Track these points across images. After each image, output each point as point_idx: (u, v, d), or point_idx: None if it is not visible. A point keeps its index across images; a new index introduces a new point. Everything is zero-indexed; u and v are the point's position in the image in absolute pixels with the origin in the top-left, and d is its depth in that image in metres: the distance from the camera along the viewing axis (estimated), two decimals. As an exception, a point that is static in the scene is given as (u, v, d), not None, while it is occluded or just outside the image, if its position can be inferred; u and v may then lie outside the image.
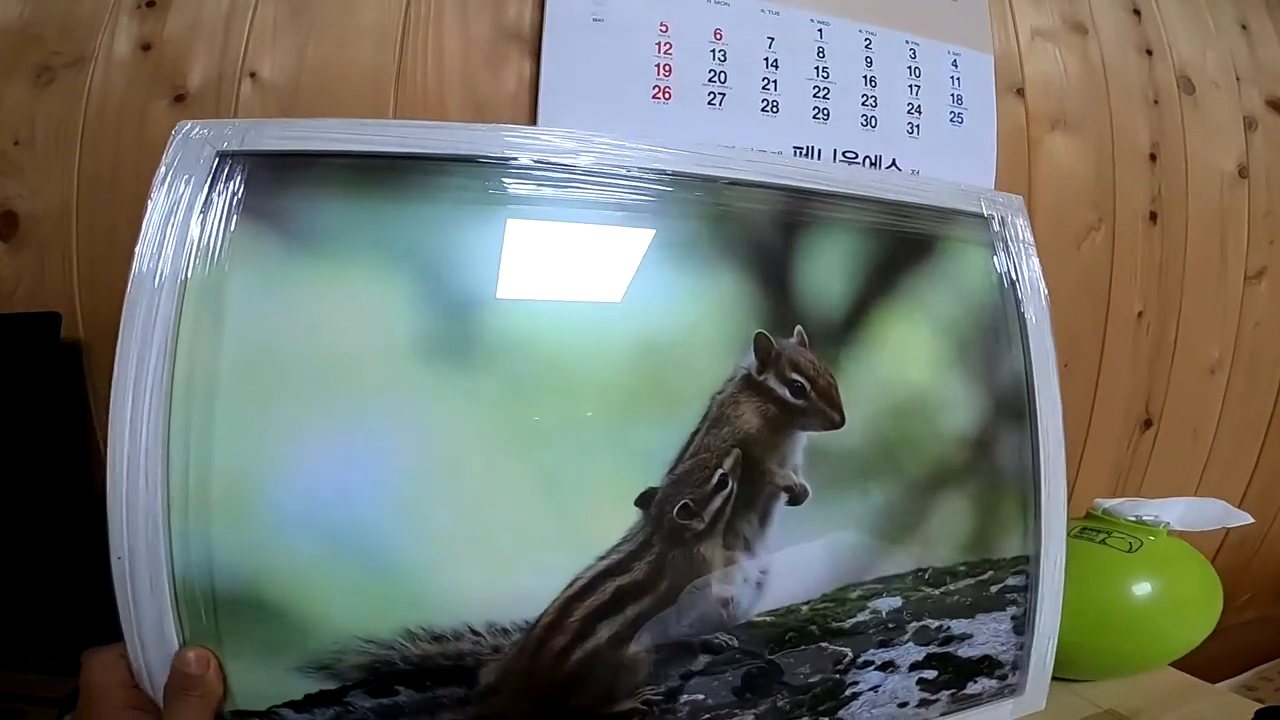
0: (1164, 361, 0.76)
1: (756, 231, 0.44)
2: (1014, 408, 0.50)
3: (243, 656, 0.38)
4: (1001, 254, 0.51)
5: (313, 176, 0.38)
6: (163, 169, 0.36)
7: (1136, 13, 0.74)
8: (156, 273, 0.36)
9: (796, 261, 0.45)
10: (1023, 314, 0.51)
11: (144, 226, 0.36)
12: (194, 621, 0.37)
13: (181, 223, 0.36)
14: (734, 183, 0.43)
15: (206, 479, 0.37)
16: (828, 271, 0.45)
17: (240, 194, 0.37)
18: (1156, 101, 0.73)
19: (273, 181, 0.38)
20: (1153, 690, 0.57)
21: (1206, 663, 0.59)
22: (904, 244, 0.48)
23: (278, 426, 0.37)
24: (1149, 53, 0.74)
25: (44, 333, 0.46)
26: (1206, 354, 0.78)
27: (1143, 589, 0.55)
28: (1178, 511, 0.56)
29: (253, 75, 0.51)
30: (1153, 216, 0.73)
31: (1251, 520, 0.57)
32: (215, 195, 0.37)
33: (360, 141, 0.38)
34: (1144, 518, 0.56)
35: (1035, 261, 0.51)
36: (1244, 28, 0.80)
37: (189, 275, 0.36)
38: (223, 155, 0.37)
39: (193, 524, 0.36)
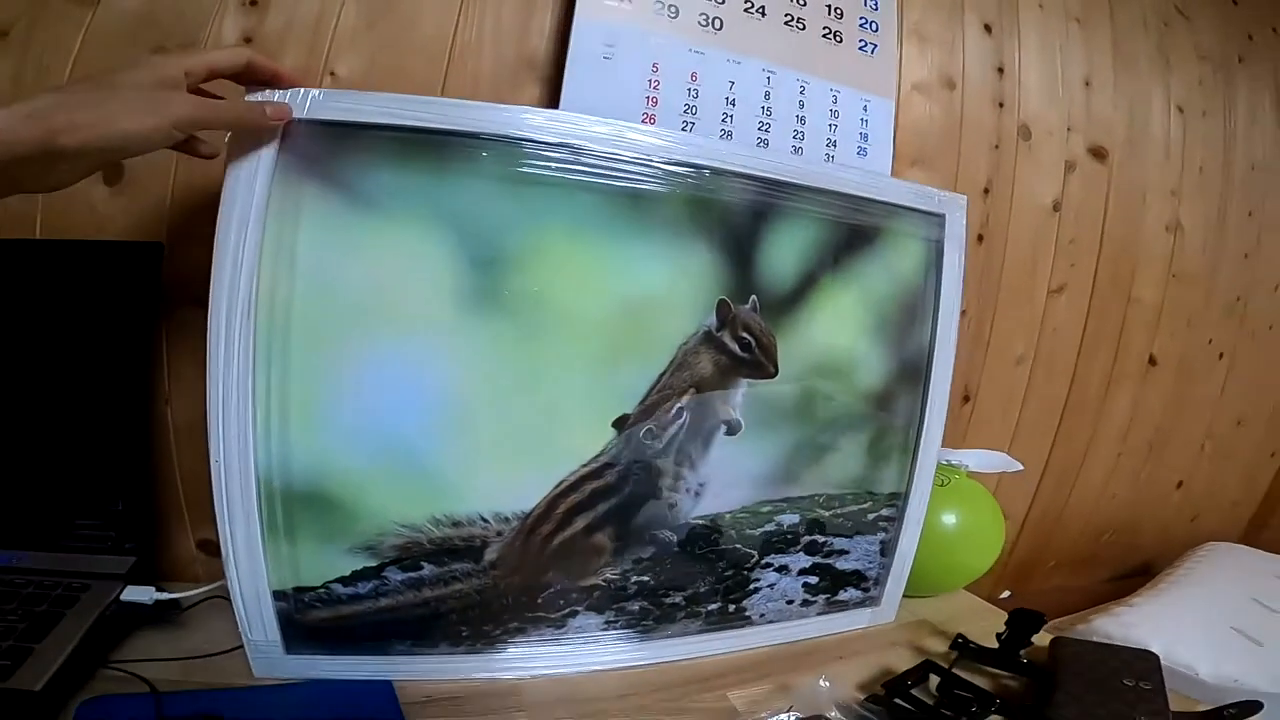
0: (980, 351, 1.08)
1: (731, 215, 0.63)
2: (914, 371, 0.73)
3: (306, 542, 0.56)
4: (938, 245, 0.71)
5: (367, 146, 0.53)
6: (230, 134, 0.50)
7: (1000, 70, 1.04)
8: (241, 226, 0.51)
9: (761, 242, 0.64)
10: (941, 295, 0.72)
11: (224, 186, 0.50)
12: (271, 514, 0.54)
13: (262, 182, 0.51)
14: (719, 172, 0.61)
15: (286, 399, 0.53)
16: (786, 252, 0.65)
17: (306, 157, 0.52)
18: (997, 146, 1.03)
19: (334, 148, 0.53)
20: (954, 607, 0.85)
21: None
22: (854, 233, 0.68)
23: (340, 356, 0.54)
24: (1001, 105, 1.04)
25: (148, 260, 0.61)
26: (1014, 349, 1.11)
27: (950, 517, 0.83)
28: (974, 459, 0.87)
29: (333, 74, 0.68)
30: (980, 238, 1.03)
31: (1021, 468, 0.90)
32: (284, 157, 0.51)
33: (412, 116, 0.53)
34: (950, 461, 0.86)
35: (962, 254, 0.72)
36: (1087, 83, 1.14)
37: (265, 228, 0.51)
38: (290, 122, 0.51)
39: (274, 435, 0.53)
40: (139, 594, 0.59)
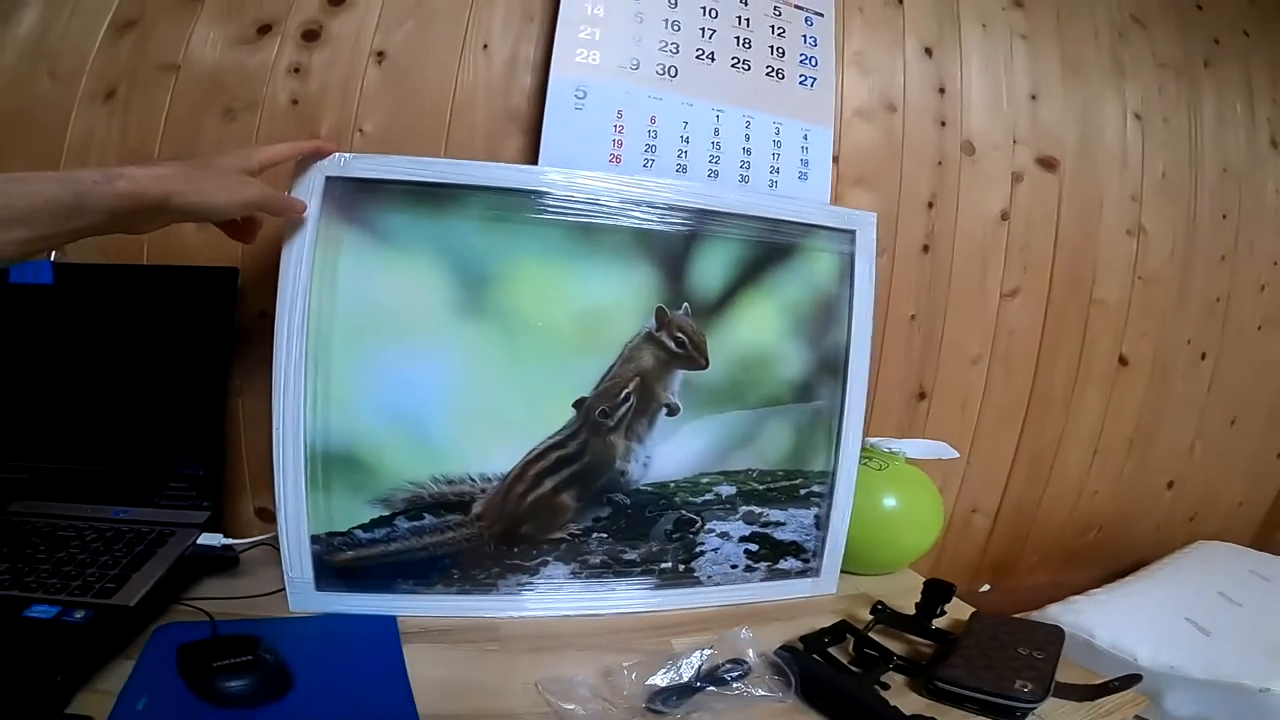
0: (932, 352, 1.30)
1: (666, 239, 0.87)
2: (833, 365, 0.95)
3: (339, 494, 0.81)
4: (850, 257, 0.94)
5: (385, 196, 0.80)
6: (292, 189, 0.78)
7: (941, 90, 1.27)
8: (299, 259, 0.77)
9: (692, 260, 0.88)
10: (854, 299, 0.95)
11: (286, 229, 0.77)
12: (314, 471, 0.80)
13: (311, 225, 0.78)
14: (653, 205, 0.86)
15: (329, 384, 0.79)
16: (713, 267, 0.89)
17: (341, 205, 0.79)
18: (940, 163, 1.26)
19: (361, 198, 0.79)
20: (897, 585, 1.03)
21: (995, 611, 0.98)
22: (772, 248, 0.91)
23: (368, 352, 0.80)
24: (943, 124, 1.27)
25: (226, 282, 0.91)
26: (968, 349, 1.34)
27: (890, 499, 1.05)
28: (912, 447, 1.09)
29: (361, 130, 0.97)
30: (925, 248, 1.26)
31: (956, 455, 1.11)
32: (326, 205, 0.79)
33: (415, 174, 0.80)
34: (891, 448, 1.09)
35: (872, 264, 0.95)
36: (1033, 97, 1.36)
37: (315, 260, 0.78)
38: (329, 179, 0.79)
39: (319, 411, 0.79)
40: (211, 539, 0.86)
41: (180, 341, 0.91)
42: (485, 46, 1.02)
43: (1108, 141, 1.44)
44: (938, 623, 0.87)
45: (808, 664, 0.77)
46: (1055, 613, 1.29)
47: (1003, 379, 1.38)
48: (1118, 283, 1.48)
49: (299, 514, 0.79)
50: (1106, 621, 1.25)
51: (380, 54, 0.98)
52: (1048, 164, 1.37)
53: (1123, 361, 1.52)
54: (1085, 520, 1.60)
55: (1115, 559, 1.64)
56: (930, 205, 1.26)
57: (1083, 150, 1.41)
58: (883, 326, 1.24)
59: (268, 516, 1.00)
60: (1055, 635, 0.84)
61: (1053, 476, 1.52)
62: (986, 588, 1.51)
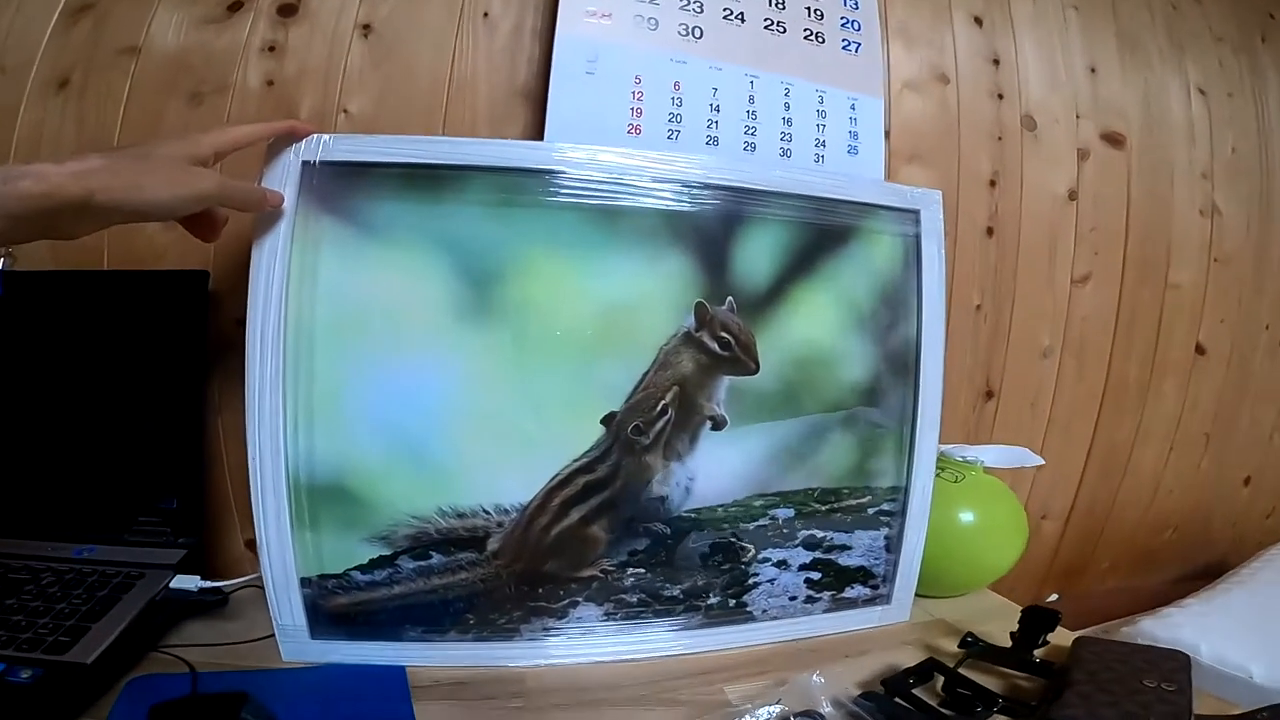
0: (1000, 345, 1.15)
1: (701, 222, 0.73)
2: (901, 364, 0.81)
3: (329, 532, 0.67)
4: (915, 239, 0.80)
5: (372, 182, 0.67)
6: (262, 178, 0.65)
7: (995, 62, 1.13)
8: (272, 259, 0.64)
9: (734, 247, 0.74)
10: (922, 289, 0.80)
11: (256, 222, 0.64)
12: (299, 506, 0.66)
13: (286, 217, 0.65)
14: (685, 184, 0.72)
15: (311, 403, 0.66)
16: (759, 255, 0.74)
17: (321, 194, 0.66)
18: (1000, 138, 1.12)
19: (345, 185, 0.66)
20: (976, 607, 0.89)
21: (1066, 620, 0.87)
22: (826, 232, 0.77)
23: (357, 365, 0.67)
24: (1000, 96, 1.13)
25: (196, 286, 0.80)
26: (1038, 341, 1.19)
27: (967, 514, 0.89)
28: (990, 454, 0.94)
29: (346, 112, 0.85)
30: (989, 231, 1.12)
31: (1042, 462, 0.96)
32: (304, 195, 0.65)
33: (408, 154, 0.67)
34: (966, 457, 0.93)
35: (941, 247, 0.81)
36: (1092, 70, 1.21)
37: (291, 255, 0.65)
38: (307, 164, 0.65)
39: (301, 435, 0.66)
40: (186, 582, 0.72)
41: (148, 355, 0.79)
42: (486, 15, 0.89)
43: (1173, 117, 1.29)
44: (1036, 652, 0.73)
45: (895, 712, 0.63)
46: (1149, 628, 1.11)
47: (1075, 372, 1.23)
48: (1193, 265, 1.31)
49: (284, 555, 0.66)
50: (1209, 636, 1.07)
51: (366, 27, 0.86)
52: (1114, 140, 1.21)
53: (1199, 350, 1.35)
54: (1160, 520, 1.43)
55: (1189, 560, 1.48)
56: (992, 184, 1.11)
57: (1148, 126, 1.25)
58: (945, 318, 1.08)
59: (257, 548, 0.87)
60: (1181, 661, 0.69)
61: (1127, 475, 1.35)
62: (1054, 597, 1.34)
